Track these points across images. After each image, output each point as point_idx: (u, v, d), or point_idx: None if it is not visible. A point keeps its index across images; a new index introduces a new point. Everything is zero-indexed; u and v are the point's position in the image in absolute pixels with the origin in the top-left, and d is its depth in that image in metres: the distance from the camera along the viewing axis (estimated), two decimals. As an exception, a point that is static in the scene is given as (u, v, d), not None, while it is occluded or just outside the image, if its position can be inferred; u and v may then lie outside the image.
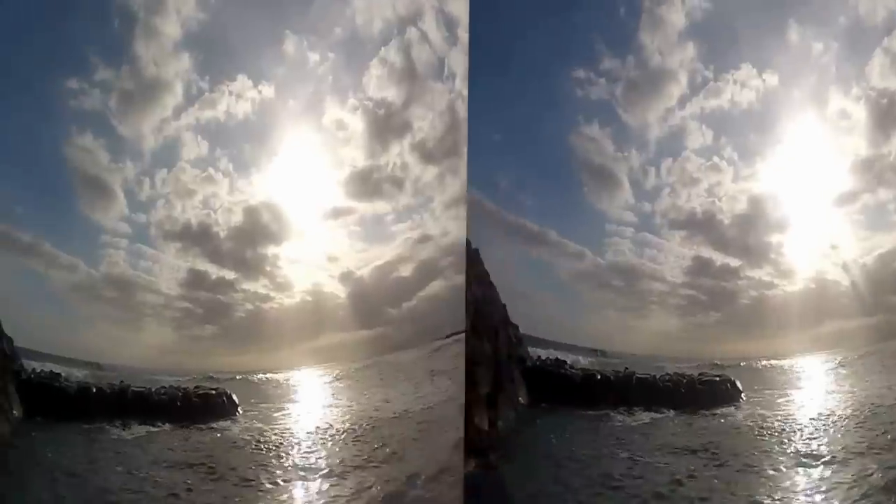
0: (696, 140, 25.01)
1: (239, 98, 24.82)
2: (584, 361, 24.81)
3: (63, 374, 23.70)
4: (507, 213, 24.07)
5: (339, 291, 24.87)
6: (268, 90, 24.71)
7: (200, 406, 24.37)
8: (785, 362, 25.76)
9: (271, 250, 25.33)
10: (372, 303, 25.20)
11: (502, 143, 23.90)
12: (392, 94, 24.90)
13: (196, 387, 24.70)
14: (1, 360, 22.54)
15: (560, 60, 24.23)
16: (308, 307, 24.82)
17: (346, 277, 24.84)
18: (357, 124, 24.76)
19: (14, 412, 22.26)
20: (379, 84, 24.85)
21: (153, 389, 24.12)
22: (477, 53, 22.52)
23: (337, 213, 24.75)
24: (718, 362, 25.52)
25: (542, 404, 23.28)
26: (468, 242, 22.39)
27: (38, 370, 23.57)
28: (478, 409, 21.11)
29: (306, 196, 24.58)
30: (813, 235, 24.42)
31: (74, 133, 24.14)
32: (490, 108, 23.00)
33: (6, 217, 23.33)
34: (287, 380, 27.01)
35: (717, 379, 24.57)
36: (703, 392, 24.22)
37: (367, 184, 24.58)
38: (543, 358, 24.37)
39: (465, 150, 22.35)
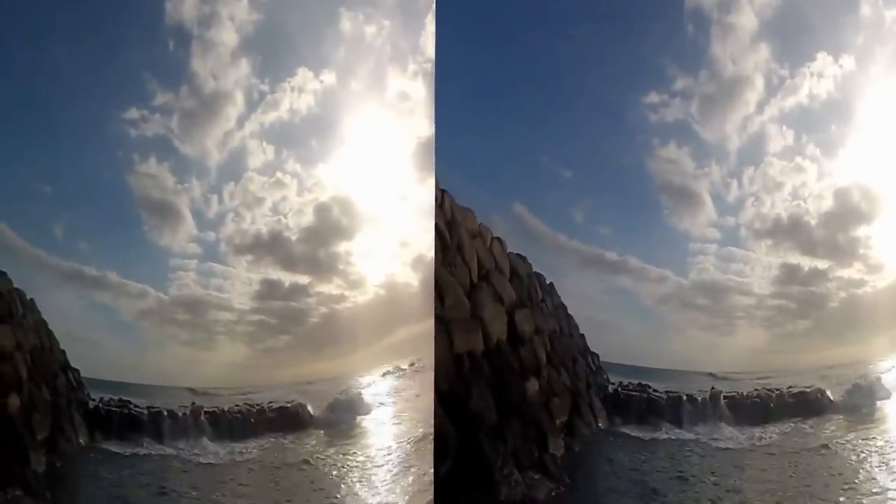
0: (777, 143, 23.09)
1: (301, 92, 23.19)
2: (667, 384, 22.99)
3: (133, 401, 22.08)
4: (584, 245, 22.77)
5: (412, 279, 23.02)
6: (329, 77, 23.13)
7: (275, 420, 22.71)
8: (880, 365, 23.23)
9: (343, 246, 23.63)
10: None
11: (574, 179, 22.93)
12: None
13: (270, 402, 22.96)
14: (66, 391, 21.50)
15: (630, 88, 22.83)
16: (382, 301, 23.21)
17: (417, 262, 22.75)
18: (419, 91, 22.97)
19: (80, 440, 21.05)
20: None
21: (226, 409, 22.41)
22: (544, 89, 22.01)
23: (405, 192, 22.79)
24: (808, 372, 23.35)
25: (622, 428, 22.20)
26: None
27: (108, 399, 22.05)
28: (554, 437, 20.25)
29: (375, 180, 22.81)
30: (899, 219, 22.68)
31: (137, 161, 22.74)
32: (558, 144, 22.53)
33: (73, 254, 22.31)
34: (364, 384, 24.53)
35: (808, 390, 22.79)
36: (793, 405, 22.57)
37: (431, 154, 22.24)
38: (626, 383, 23.00)
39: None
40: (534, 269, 22.65)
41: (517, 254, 22.29)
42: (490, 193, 22.05)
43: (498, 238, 21.90)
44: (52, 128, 21.96)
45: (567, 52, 22.37)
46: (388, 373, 24.21)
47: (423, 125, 22.52)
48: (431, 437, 19.40)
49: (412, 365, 23.69)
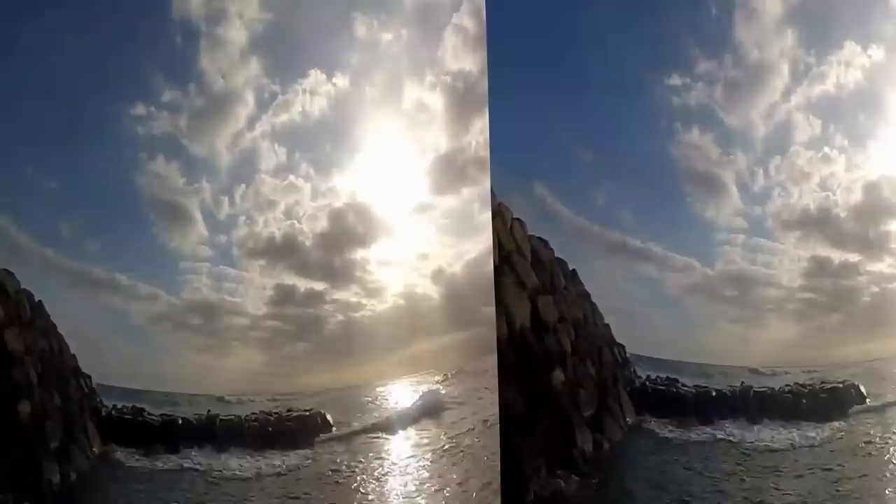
0: (803, 132, 22.40)
1: (313, 95, 22.76)
2: (696, 379, 22.27)
3: (147, 409, 21.77)
4: (607, 231, 22.24)
5: (432, 292, 22.73)
6: (342, 81, 22.72)
7: (294, 430, 21.98)
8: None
9: (360, 254, 23.11)
10: (466, 301, 22.73)
11: (593, 162, 22.29)
12: (468, 63, 22.51)
13: (288, 410, 22.24)
14: (78, 398, 21.02)
15: (651, 70, 22.27)
16: (401, 312, 22.73)
17: (438, 276, 22.65)
18: (437, 103, 22.58)
19: (94, 449, 20.60)
20: (454, 54, 22.59)
21: (243, 416, 21.94)
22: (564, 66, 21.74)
23: (424, 206, 22.68)
24: (842, 367, 22.61)
25: (651, 424, 21.49)
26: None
27: (120, 406, 21.67)
28: (582, 431, 19.93)
29: (392, 190, 22.53)
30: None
31: (145, 160, 22.45)
32: (578, 124, 21.91)
33: (81, 254, 21.96)
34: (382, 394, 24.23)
35: (841, 385, 22.02)
36: (826, 401, 21.76)
37: (452, 169, 22.41)
38: (653, 377, 22.44)
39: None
40: (556, 255, 21.90)
41: (538, 237, 21.62)
42: (509, 171, 21.35)
43: (518, 219, 21.24)
44: (58, 123, 21.68)
45: (588, 30, 21.95)
46: (440, 379, 23.78)
47: (441, 139, 22.40)
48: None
49: (447, 375, 23.57)
